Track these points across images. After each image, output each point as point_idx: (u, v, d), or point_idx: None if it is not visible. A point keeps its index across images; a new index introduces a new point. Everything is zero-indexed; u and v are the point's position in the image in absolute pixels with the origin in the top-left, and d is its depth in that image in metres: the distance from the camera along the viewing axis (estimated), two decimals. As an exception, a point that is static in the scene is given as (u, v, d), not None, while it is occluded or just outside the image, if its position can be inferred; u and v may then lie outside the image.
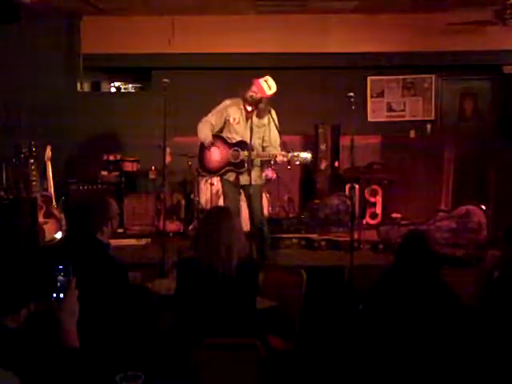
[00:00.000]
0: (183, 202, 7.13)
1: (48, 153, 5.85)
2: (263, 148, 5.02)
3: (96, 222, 2.97)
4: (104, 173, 7.09)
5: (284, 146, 4.95)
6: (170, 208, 6.97)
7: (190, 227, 6.60)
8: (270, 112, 4.94)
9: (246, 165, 4.83)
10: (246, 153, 4.82)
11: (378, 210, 7.03)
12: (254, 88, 4.83)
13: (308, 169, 7.55)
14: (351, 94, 4.73)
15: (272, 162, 5.01)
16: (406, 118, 8.05)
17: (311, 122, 7.49)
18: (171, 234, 6.41)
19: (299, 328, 3.33)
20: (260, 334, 2.83)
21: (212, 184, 6.60)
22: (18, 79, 6.69)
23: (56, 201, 5.75)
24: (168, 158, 5.70)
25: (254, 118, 4.81)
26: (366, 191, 7.01)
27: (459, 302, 2.85)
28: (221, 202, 6.49)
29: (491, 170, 6.72)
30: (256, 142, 4.91)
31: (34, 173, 5.56)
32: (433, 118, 8.04)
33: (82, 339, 1.95)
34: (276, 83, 4.88)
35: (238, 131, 4.97)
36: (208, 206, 6.56)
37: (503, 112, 7.92)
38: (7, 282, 1.87)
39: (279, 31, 7.60)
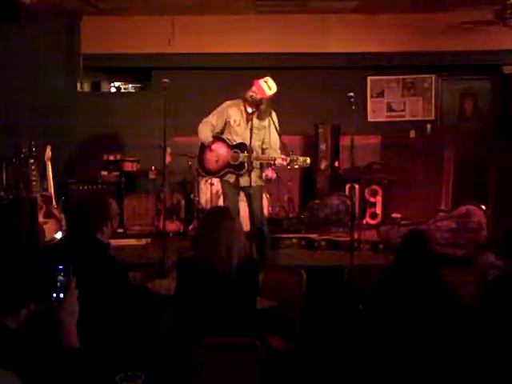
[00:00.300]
0: (183, 202, 7.13)
1: (48, 153, 5.85)
2: (263, 150, 5.02)
3: (96, 222, 2.97)
4: (104, 173, 7.09)
5: (283, 148, 4.95)
6: (170, 208, 6.97)
7: (190, 227, 6.61)
8: (270, 114, 4.94)
9: (246, 166, 4.83)
10: (245, 154, 4.82)
11: (378, 210, 7.03)
12: (254, 88, 4.83)
13: (308, 169, 7.56)
14: (351, 93, 4.73)
15: (272, 164, 5.02)
16: (406, 118, 8.06)
17: (311, 121, 7.49)
18: (171, 234, 6.42)
19: (299, 328, 3.33)
20: (260, 334, 2.82)
21: (212, 184, 6.61)
22: (18, 79, 6.69)
23: (56, 201, 5.74)
24: (168, 158, 5.70)
25: (255, 120, 4.81)
26: (366, 191, 7.02)
27: (459, 302, 2.85)
28: (221, 202, 6.49)
29: (491, 169, 6.72)
30: (256, 144, 4.91)
31: (34, 173, 5.56)
32: (433, 118, 8.04)
33: (82, 339, 1.95)
34: (276, 83, 4.88)
35: (239, 133, 4.97)
36: (208, 206, 6.56)
37: (503, 112, 7.92)
38: (7, 281, 1.87)
39: (279, 31, 7.60)
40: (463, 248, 5.58)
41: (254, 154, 4.84)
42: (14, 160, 5.72)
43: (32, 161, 5.57)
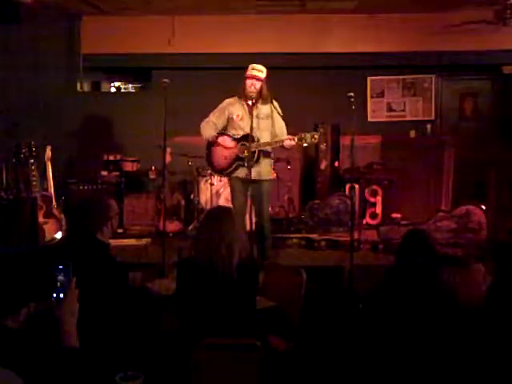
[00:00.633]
0: (183, 202, 7.13)
1: (48, 153, 5.84)
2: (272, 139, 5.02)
3: (96, 221, 2.97)
4: (104, 173, 7.09)
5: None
6: (170, 208, 6.97)
7: (190, 227, 6.60)
8: (272, 101, 4.95)
9: (255, 155, 4.81)
10: (253, 144, 4.81)
11: (378, 209, 7.03)
12: (248, 84, 4.84)
13: (308, 169, 7.57)
14: (351, 93, 4.73)
15: (281, 147, 4.96)
16: (406, 118, 8.05)
17: (311, 121, 7.48)
18: (171, 234, 6.41)
19: (299, 328, 3.33)
20: (260, 334, 2.82)
21: (212, 184, 6.60)
22: (18, 79, 6.70)
23: (56, 201, 5.74)
24: (168, 158, 5.70)
25: (256, 111, 4.84)
26: (366, 191, 7.01)
27: (459, 302, 2.85)
28: (221, 202, 6.51)
29: (491, 170, 6.72)
30: (264, 134, 4.91)
31: (33, 173, 5.56)
32: (433, 118, 8.04)
33: (82, 339, 1.95)
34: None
35: (243, 127, 4.97)
36: (208, 206, 6.55)
37: (503, 112, 7.92)
38: (7, 281, 1.87)
39: (279, 31, 7.60)
40: (463, 248, 5.58)
41: (263, 140, 4.85)
42: (13, 160, 5.72)
43: (32, 161, 5.57)
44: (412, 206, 7.07)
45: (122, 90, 9.20)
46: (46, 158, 5.83)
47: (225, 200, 6.47)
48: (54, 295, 1.94)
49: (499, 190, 6.50)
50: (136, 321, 2.92)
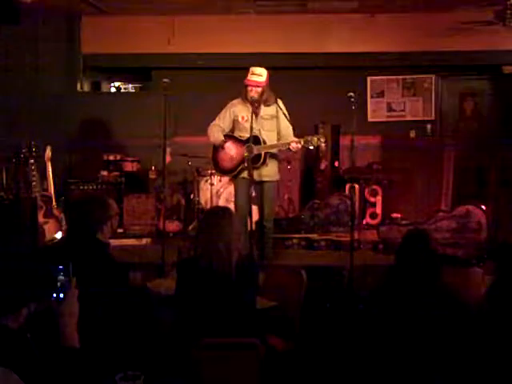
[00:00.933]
0: (183, 202, 7.13)
1: (48, 153, 5.84)
2: (278, 140, 5.02)
3: (95, 221, 2.97)
4: (104, 173, 7.08)
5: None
6: (170, 208, 6.97)
7: (190, 227, 6.60)
8: (276, 101, 4.95)
9: (262, 157, 4.81)
10: (260, 147, 4.80)
11: (378, 209, 7.03)
12: (248, 89, 4.85)
13: (308, 169, 7.57)
14: (351, 93, 4.73)
15: (287, 150, 4.96)
16: (406, 118, 8.05)
17: (311, 121, 7.49)
18: (171, 234, 6.41)
19: (299, 328, 3.33)
20: (260, 334, 2.82)
21: (212, 184, 6.60)
22: (19, 79, 6.70)
23: (56, 201, 5.74)
24: (168, 158, 5.70)
25: (262, 110, 4.85)
26: (366, 191, 7.01)
27: (459, 302, 2.85)
28: (221, 202, 6.51)
29: (491, 169, 6.72)
30: (269, 135, 4.91)
31: (33, 173, 5.55)
32: (433, 118, 8.03)
33: (82, 339, 1.95)
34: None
35: (248, 128, 4.97)
36: (208, 206, 6.55)
37: (503, 112, 7.91)
38: (7, 281, 1.87)
39: (279, 31, 7.60)
40: (463, 248, 5.58)
41: (268, 142, 4.85)
42: (13, 160, 5.72)
43: (32, 161, 5.56)
44: (412, 206, 7.07)
45: (122, 90, 9.20)
46: (45, 158, 5.82)
47: (225, 200, 6.47)
48: (54, 295, 1.94)
49: (499, 189, 6.51)
50: (136, 321, 2.92)
